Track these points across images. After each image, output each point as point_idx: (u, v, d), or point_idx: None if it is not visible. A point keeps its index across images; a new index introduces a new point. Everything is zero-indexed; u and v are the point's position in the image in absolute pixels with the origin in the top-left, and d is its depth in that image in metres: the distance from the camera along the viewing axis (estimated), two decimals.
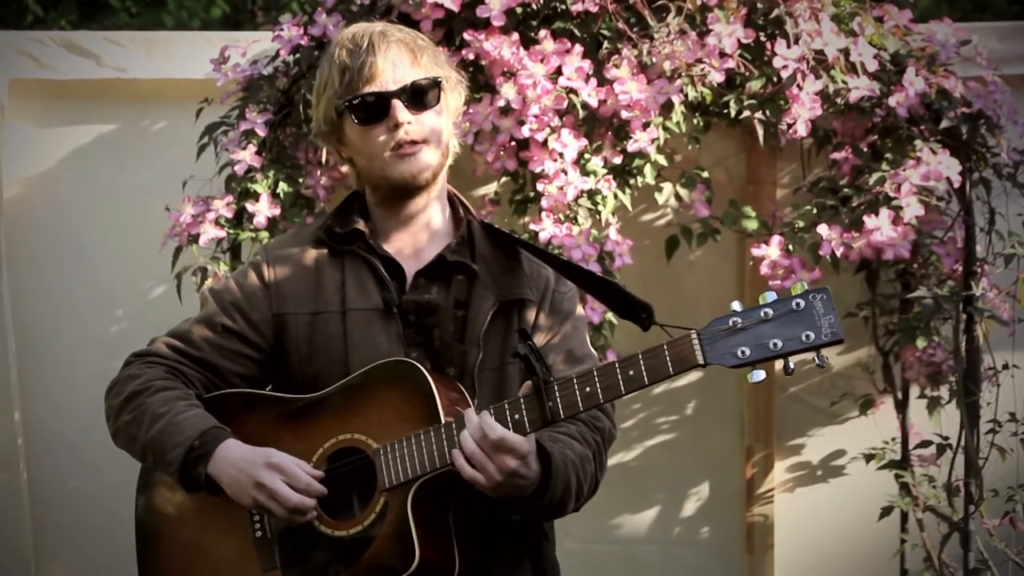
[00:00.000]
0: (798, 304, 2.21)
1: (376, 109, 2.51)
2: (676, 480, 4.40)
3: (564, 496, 2.41)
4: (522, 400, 2.34)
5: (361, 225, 2.59)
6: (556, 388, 2.32)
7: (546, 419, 2.32)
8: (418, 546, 2.37)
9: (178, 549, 2.62)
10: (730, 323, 2.24)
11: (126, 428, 2.55)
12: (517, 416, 2.34)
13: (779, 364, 2.26)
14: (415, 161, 2.53)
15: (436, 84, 2.54)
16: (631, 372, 2.29)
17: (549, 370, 2.35)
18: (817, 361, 2.24)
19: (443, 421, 2.39)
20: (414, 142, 2.52)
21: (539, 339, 2.55)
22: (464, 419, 2.36)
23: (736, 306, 2.25)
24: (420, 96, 2.52)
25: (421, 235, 2.60)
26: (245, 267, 2.67)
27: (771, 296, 2.24)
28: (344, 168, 3.80)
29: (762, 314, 2.23)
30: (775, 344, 2.21)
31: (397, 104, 2.50)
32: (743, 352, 2.22)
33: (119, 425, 2.57)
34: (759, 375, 2.23)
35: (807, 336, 2.20)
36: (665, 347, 2.27)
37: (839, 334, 2.21)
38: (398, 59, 2.51)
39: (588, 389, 2.31)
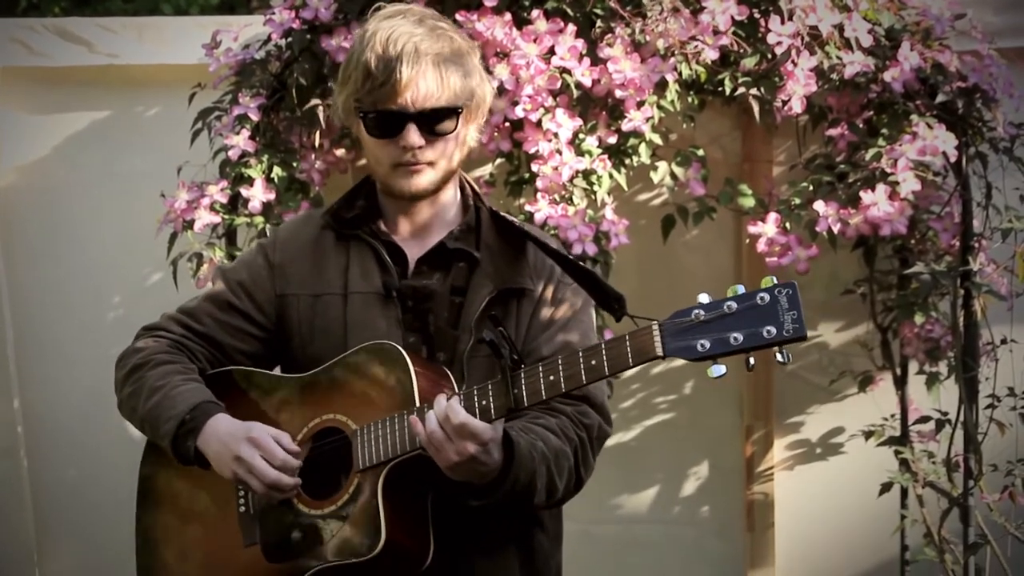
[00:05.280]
0: (762, 298, 2.17)
1: (390, 126, 2.49)
2: (676, 459, 4.41)
3: (528, 487, 2.39)
4: (490, 386, 2.34)
5: (366, 210, 2.61)
6: (522, 376, 2.31)
7: (510, 406, 2.32)
8: (384, 528, 2.37)
9: (174, 522, 2.67)
10: (692, 315, 2.20)
11: (128, 400, 2.62)
12: (484, 402, 2.34)
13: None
14: (417, 179, 2.53)
15: (455, 112, 2.51)
16: (593, 362, 2.27)
17: (519, 356, 2.34)
18: (779, 358, 2.19)
19: (417, 405, 2.40)
20: (419, 162, 2.51)
21: (537, 328, 2.55)
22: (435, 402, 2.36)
23: (703, 298, 2.22)
24: (436, 123, 2.50)
25: (427, 221, 2.61)
26: (254, 248, 2.72)
27: (740, 289, 2.20)
28: (339, 152, 3.85)
29: (726, 307, 2.19)
30: (735, 339, 2.18)
31: (412, 128, 2.48)
32: (703, 346, 2.19)
33: (122, 397, 2.64)
34: (719, 369, 2.20)
35: (768, 332, 2.16)
36: (627, 338, 2.25)
37: (802, 331, 2.16)
38: (423, 80, 2.47)
39: (552, 378, 2.29)
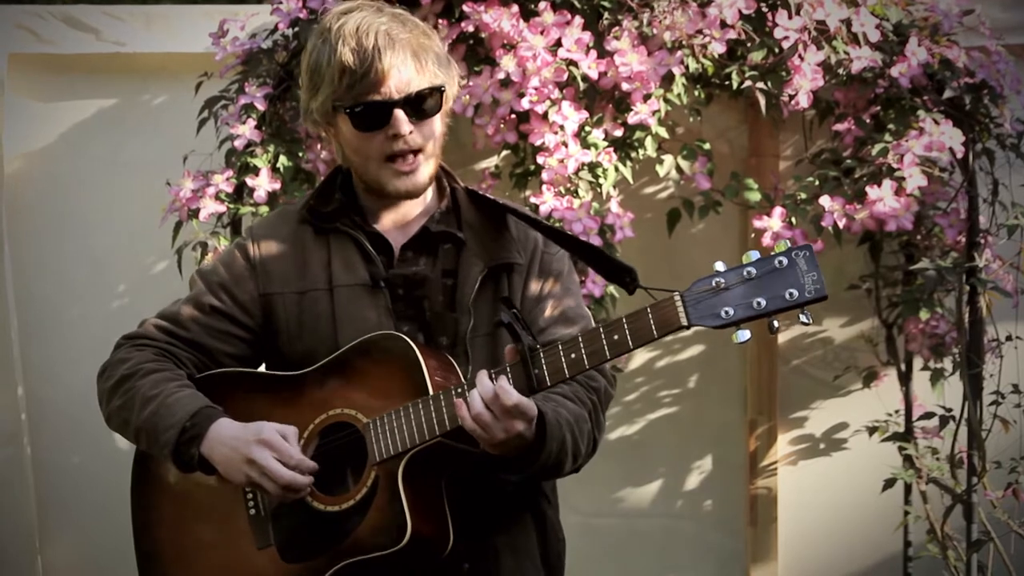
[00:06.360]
0: (781, 262, 2.18)
1: (377, 117, 2.47)
2: (679, 453, 4.41)
3: (560, 454, 2.39)
4: (508, 368, 2.32)
5: (344, 203, 2.59)
6: (542, 355, 2.30)
7: (532, 387, 2.31)
8: (410, 520, 2.36)
9: (173, 527, 2.63)
10: (713, 283, 2.20)
11: (118, 412, 2.57)
12: (503, 379, 2.32)
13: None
14: (413, 177, 2.51)
15: (439, 92, 2.50)
16: (615, 336, 2.26)
17: (535, 337, 2.33)
18: (802, 319, 2.20)
19: (431, 392, 2.38)
20: (414, 152, 2.49)
21: (531, 301, 2.54)
22: (474, 382, 2.33)
23: (719, 266, 2.22)
24: (422, 105, 2.48)
25: (407, 209, 2.59)
26: (231, 248, 2.67)
27: (755, 255, 2.21)
28: None
29: (745, 273, 2.19)
30: (759, 303, 2.18)
31: (399, 114, 2.46)
32: (727, 312, 2.19)
33: (111, 409, 2.59)
34: (744, 335, 2.20)
35: (791, 294, 2.17)
36: (649, 310, 2.24)
37: (823, 291, 2.17)
38: (403, 65, 2.45)
39: (573, 356, 2.28)
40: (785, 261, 2.18)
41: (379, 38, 2.43)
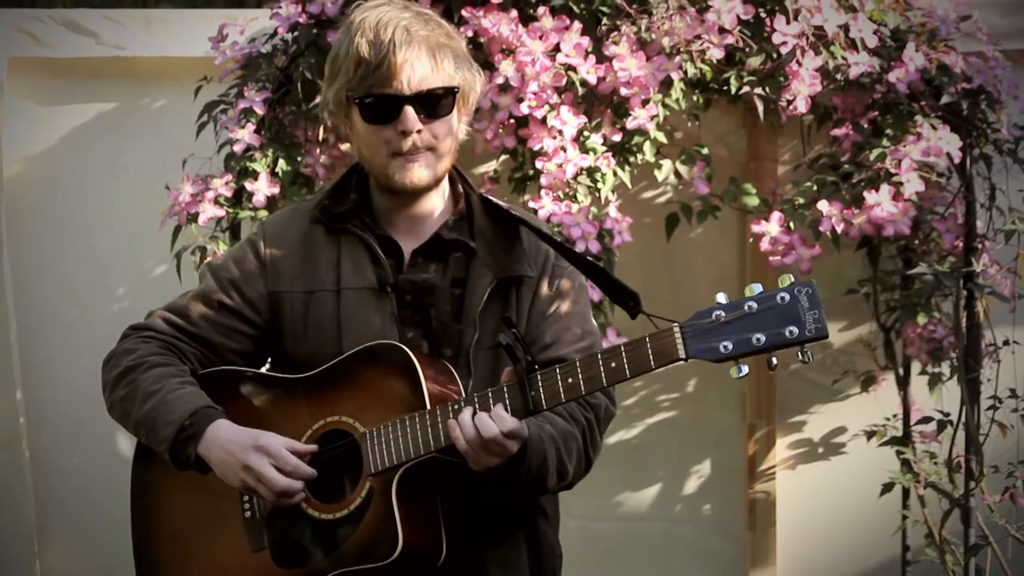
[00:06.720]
0: (783, 298, 2.17)
1: (387, 111, 2.46)
2: (678, 457, 4.41)
3: (541, 470, 2.39)
4: (505, 389, 2.32)
5: (358, 203, 2.58)
6: (539, 379, 2.30)
7: (528, 409, 2.31)
8: (402, 532, 2.36)
9: (172, 527, 2.63)
10: (713, 316, 2.19)
11: (120, 403, 2.57)
12: (500, 406, 2.32)
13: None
14: (417, 170, 2.49)
15: (452, 93, 2.50)
16: (613, 364, 2.26)
17: (534, 359, 2.33)
18: (801, 357, 2.19)
19: (428, 407, 2.38)
20: (419, 148, 2.49)
21: (539, 312, 2.53)
22: (473, 399, 2.34)
23: (721, 298, 2.21)
24: (434, 104, 2.48)
25: (420, 212, 2.57)
26: (242, 244, 2.66)
27: (757, 288, 2.20)
28: (344, 146, 3.84)
29: (746, 307, 2.18)
30: (758, 339, 2.17)
31: (409, 111, 2.46)
32: (726, 347, 2.18)
33: (114, 399, 2.59)
34: (743, 370, 2.19)
35: (791, 332, 2.16)
36: (647, 340, 2.24)
37: (824, 330, 2.15)
38: (418, 62, 2.45)
39: (570, 380, 2.28)
40: (787, 297, 2.17)
41: (397, 32, 2.44)
